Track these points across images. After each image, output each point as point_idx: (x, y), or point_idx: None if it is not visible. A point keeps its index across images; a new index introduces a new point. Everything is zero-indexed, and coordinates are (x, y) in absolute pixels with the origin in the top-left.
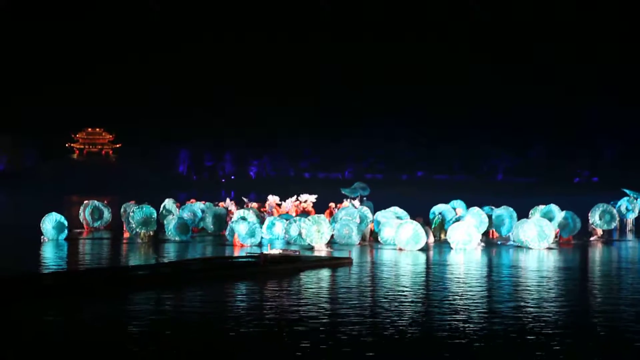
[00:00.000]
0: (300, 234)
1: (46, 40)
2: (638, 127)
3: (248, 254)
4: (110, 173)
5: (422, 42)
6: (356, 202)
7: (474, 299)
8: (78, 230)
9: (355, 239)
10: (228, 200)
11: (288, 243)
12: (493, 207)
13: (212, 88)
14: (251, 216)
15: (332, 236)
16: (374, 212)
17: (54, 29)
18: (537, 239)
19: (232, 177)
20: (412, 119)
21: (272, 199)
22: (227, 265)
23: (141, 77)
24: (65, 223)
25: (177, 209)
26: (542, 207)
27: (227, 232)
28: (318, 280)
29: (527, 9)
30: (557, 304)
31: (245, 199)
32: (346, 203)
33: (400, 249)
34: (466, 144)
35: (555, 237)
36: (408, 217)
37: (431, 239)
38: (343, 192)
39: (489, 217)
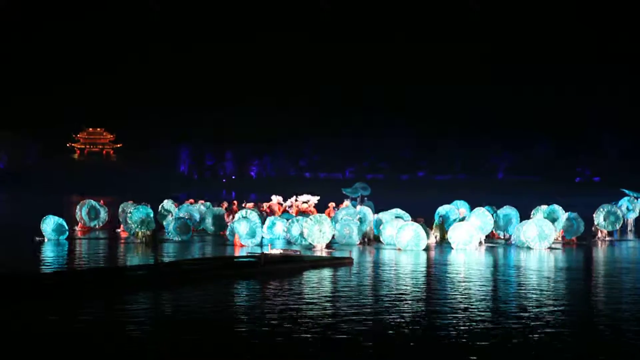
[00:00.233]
0: (301, 234)
1: (47, 40)
2: (639, 126)
3: (249, 254)
4: (111, 173)
5: (422, 41)
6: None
7: (475, 299)
8: (76, 229)
9: (356, 238)
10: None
11: (289, 243)
12: (494, 207)
13: (213, 88)
14: (253, 216)
15: (332, 236)
16: (374, 211)
17: (54, 29)
18: (537, 239)
19: (233, 177)
20: (412, 119)
21: (276, 199)
22: (228, 265)
23: (142, 76)
24: (65, 225)
25: (176, 209)
26: (544, 207)
27: (227, 232)
28: (319, 280)
29: (528, 8)
30: (559, 303)
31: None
32: (347, 203)
33: (400, 249)
34: (467, 144)
35: (558, 238)
36: (409, 218)
37: (432, 240)
38: (344, 192)
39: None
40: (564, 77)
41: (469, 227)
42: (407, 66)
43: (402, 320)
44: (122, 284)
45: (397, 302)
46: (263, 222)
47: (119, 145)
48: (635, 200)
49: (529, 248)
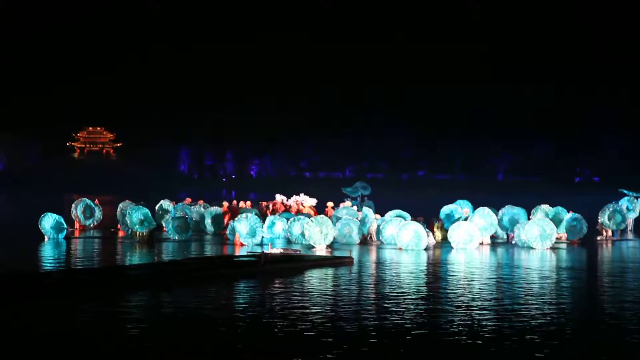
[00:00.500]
0: (302, 233)
1: (47, 40)
2: (639, 126)
3: (249, 253)
4: (111, 172)
5: (422, 41)
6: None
7: (475, 298)
8: (71, 229)
9: (356, 238)
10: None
11: (289, 242)
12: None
13: (213, 88)
14: (252, 215)
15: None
16: (374, 211)
17: (54, 29)
18: (539, 239)
19: (233, 177)
20: (413, 119)
21: (280, 198)
22: (228, 264)
23: (141, 76)
24: (64, 222)
25: (172, 208)
26: (544, 206)
27: (227, 232)
28: (319, 279)
29: (528, 8)
30: (560, 303)
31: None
32: (348, 203)
33: (401, 249)
34: (467, 144)
35: (561, 238)
36: (409, 217)
37: (432, 240)
38: (344, 192)
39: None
40: (564, 77)
41: (469, 227)
42: (407, 66)
43: (403, 319)
44: (122, 283)
45: (398, 302)
46: (263, 222)
47: (119, 145)
48: (635, 200)
49: (530, 248)
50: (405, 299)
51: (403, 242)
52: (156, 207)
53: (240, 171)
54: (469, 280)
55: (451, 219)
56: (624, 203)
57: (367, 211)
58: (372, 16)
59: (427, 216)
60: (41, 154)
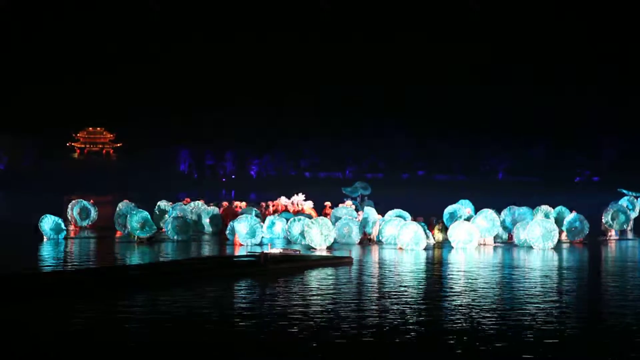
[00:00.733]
0: (302, 233)
1: (46, 39)
2: (637, 127)
3: (249, 253)
4: (111, 172)
5: (422, 41)
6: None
7: (476, 298)
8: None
9: (355, 238)
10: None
11: (289, 242)
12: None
13: (213, 87)
14: (252, 215)
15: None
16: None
17: (54, 29)
18: (541, 240)
19: (233, 177)
20: (412, 119)
21: (286, 201)
22: (227, 265)
23: (141, 76)
24: (62, 224)
25: (170, 208)
26: (544, 207)
27: (227, 232)
28: (318, 280)
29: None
30: (560, 303)
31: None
32: (348, 202)
33: (401, 249)
34: (466, 144)
35: (560, 239)
36: (409, 217)
37: (432, 240)
38: (344, 192)
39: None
40: (563, 77)
41: (469, 226)
42: (407, 66)
43: (402, 319)
44: (122, 283)
45: (397, 302)
46: (263, 222)
47: (119, 145)
48: (635, 200)
49: (530, 247)
50: (404, 298)
51: (403, 242)
52: (155, 208)
53: (240, 171)
54: (468, 280)
55: (454, 218)
56: (623, 203)
57: (370, 211)
58: (372, 16)
59: (427, 216)
60: (41, 154)
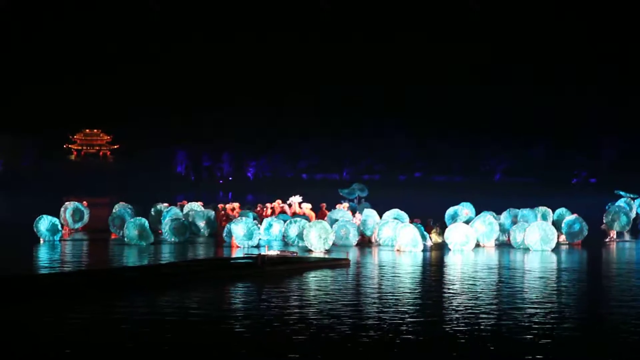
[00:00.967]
0: (299, 235)
1: (46, 39)
2: (637, 128)
3: (246, 255)
4: (108, 174)
5: (421, 42)
6: (357, 216)
7: (474, 299)
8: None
9: (353, 240)
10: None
11: (286, 244)
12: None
13: (213, 87)
14: (249, 217)
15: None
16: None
17: (54, 29)
18: (540, 242)
19: (230, 178)
20: (410, 120)
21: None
22: (224, 266)
23: (140, 77)
24: (59, 225)
25: (165, 210)
26: (542, 208)
27: (224, 234)
28: (316, 281)
29: (527, 8)
30: (560, 303)
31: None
32: (345, 205)
33: (398, 250)
34: (465, 144)
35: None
36: (407, 219)
37: (429, 242)
38: (341, 193)
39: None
40: (563, 77)
41: (465, 228)
42: (407, 66)
43: (400, 320)
44: (119, 285)
45: (395, 303)
46: (260, 224)
47: (116, 147)
48: (632, 202)
49: (526, 249)
50: (402, 299)
51: (400, 243)
52: (151, 211)
53: (237, 172)
54: (466, 281)
55: (455, 220)
56: (621, 204)
57: (370, 213)
58: (372, 16)
59: (425, 218)
60: (38, 155)
